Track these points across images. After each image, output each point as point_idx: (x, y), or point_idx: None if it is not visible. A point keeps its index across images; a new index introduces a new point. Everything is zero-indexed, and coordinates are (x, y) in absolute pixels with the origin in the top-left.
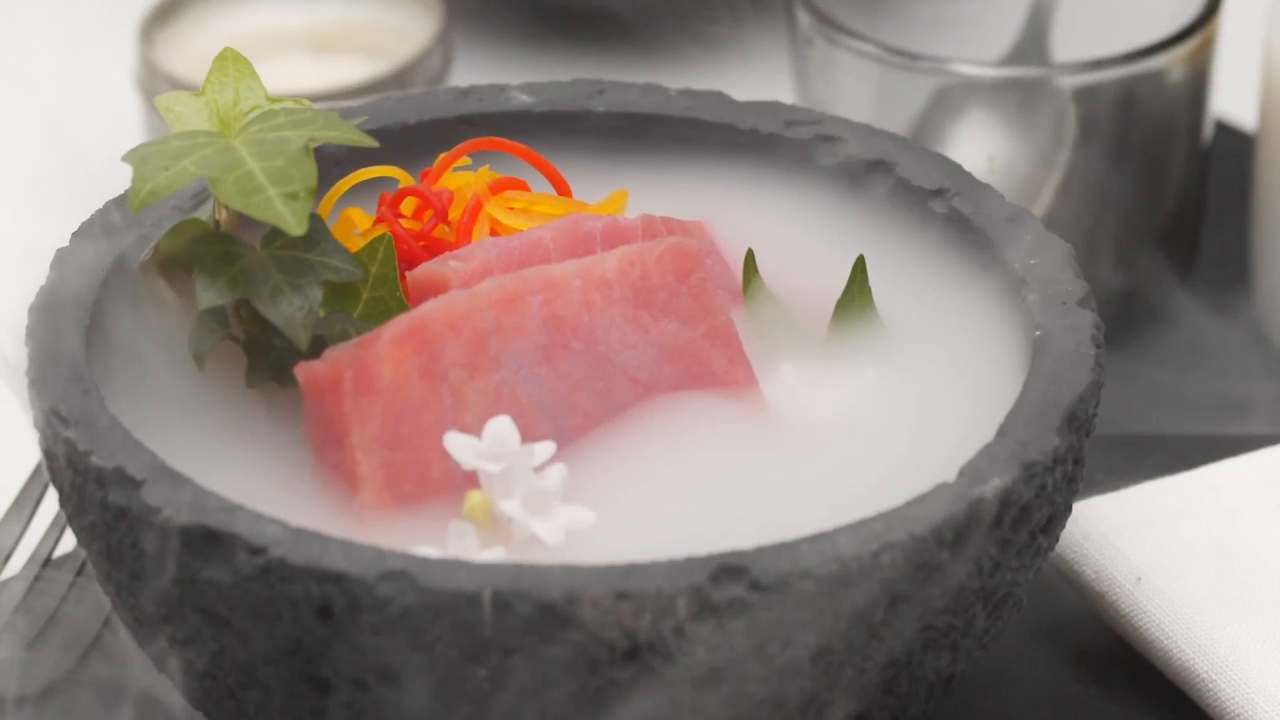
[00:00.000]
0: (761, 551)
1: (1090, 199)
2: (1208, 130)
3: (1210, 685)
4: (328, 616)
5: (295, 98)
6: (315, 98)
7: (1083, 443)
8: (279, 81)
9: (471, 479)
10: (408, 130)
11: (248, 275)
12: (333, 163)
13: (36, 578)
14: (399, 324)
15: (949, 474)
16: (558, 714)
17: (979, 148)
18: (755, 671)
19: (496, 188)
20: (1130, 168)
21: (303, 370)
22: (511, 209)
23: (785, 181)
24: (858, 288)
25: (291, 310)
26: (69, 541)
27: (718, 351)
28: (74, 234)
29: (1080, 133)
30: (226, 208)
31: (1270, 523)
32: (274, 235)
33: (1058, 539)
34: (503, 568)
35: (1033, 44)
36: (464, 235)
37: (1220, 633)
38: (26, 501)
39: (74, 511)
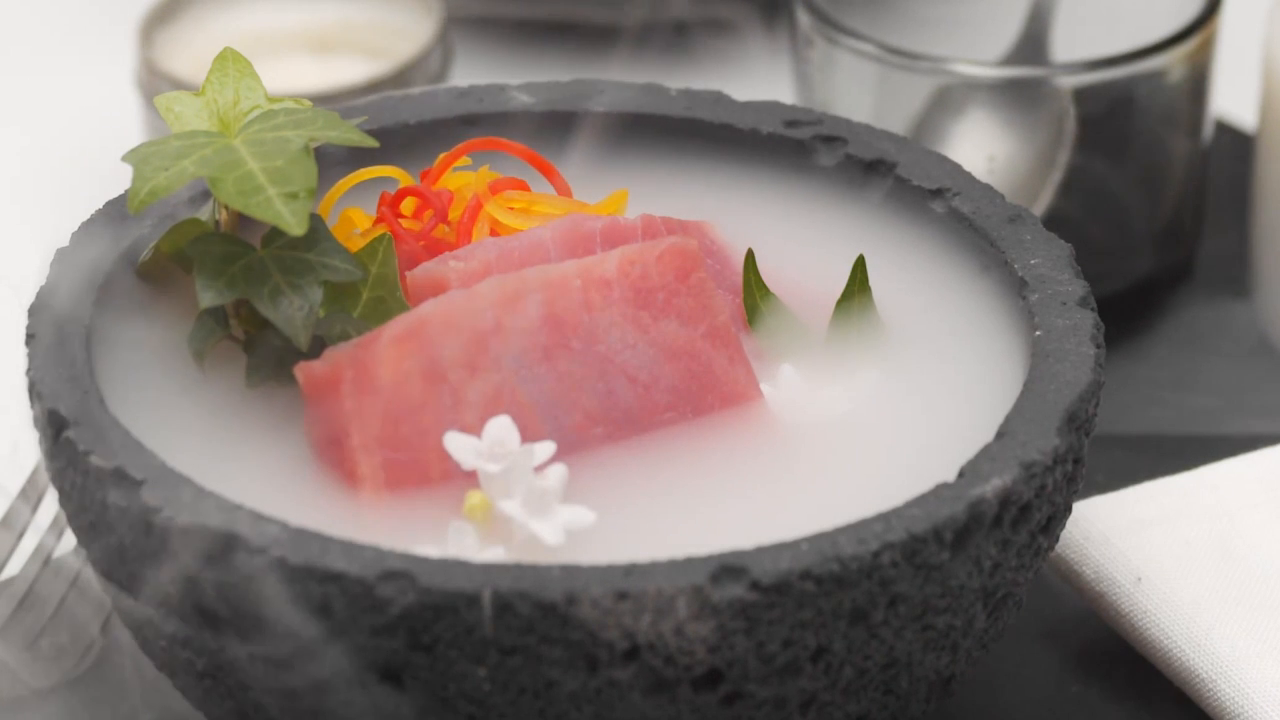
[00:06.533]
0: (761, 551)
1: (1090, 199)
2: (1208, 130)
3: (1210, 685)
4: (328, 617)
5: (295, 98)
6: (315, 98)
7: (1083, 443)
8: (279, 81)
9: (471, 479)
10: (408, 130)
11: (248, 275)
12: (333, 163)
13: (36, 578)
14: (399, 324)
15: (949, 474)
16: (558, 714)
17: (979, 148)
18: (755, 671)
19: (496, 188)
20: (1130, 168)
21: (303, 370)
22: (511, 209)
23: (785, 181)
24: (858, 288)
25: (291, 310)
26: (69, 541)
27: (718, 351)
28: (73, 234)
29: (1080, 133)
30: (226, 208)
31: (1270, 523)
32: (274, 235)
33: (1058, 539)
34: (503, 568)
35: (1033, 44)
36: (464, 235)
37: (1220, 633)
38: (26, 502)
39: (74, 511)
